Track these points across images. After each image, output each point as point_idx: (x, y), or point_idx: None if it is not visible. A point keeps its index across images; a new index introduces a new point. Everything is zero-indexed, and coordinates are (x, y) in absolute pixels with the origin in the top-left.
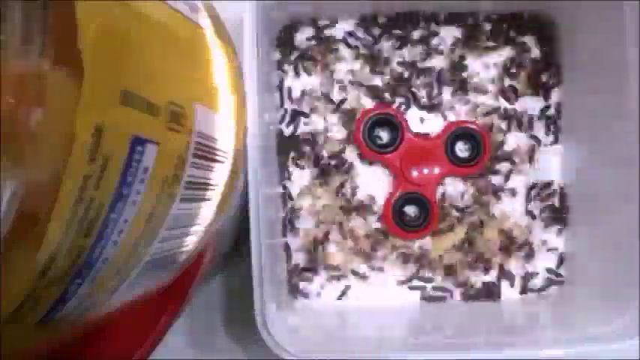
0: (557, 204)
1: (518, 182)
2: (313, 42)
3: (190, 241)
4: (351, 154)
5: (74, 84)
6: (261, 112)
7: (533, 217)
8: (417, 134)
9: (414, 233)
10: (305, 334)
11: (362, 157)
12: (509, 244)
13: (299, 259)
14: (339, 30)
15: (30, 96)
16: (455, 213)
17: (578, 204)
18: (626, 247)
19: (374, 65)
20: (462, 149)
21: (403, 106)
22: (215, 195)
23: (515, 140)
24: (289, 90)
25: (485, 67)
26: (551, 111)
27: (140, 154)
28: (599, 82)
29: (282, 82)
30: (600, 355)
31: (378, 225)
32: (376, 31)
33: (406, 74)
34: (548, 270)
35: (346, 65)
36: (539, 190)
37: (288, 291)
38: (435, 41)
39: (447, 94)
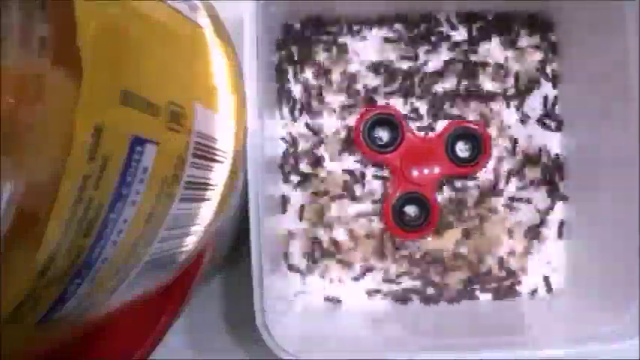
0: (557, 205)
1: (518, 182)
2: (313, 41)
3: (190, 241)
4: (351, 154)
5: (73, 83)
6: (261, 112)
7: (534, 217)
8: (417, 134)
9: (414, 233)
10: (305, 334)
11: (362, 157)
12: (510, 244)
13: (299, 259)
14: (340, 29)
15: (29, 96)
16: (455, 213)
17: (579, 205)
18: (626, 248)
19: (375, 65)
20: (462, 149)
21: (403, 106)
22: (215, 195)
23: (516, 140)
24: (289, 90)
25: (485, 66)
26: (552, 110)
27: (140, 154)
28: (600, 82)
29: (282, 81)
30: (600, 355)
31: (378, 225)
32: (377, 31)
33: (407, 74)
34: (548, 270)
35: (346, 64)
36: (539, 191)
37: (288, 291)
38: (434, 41)
39: (447, 93)
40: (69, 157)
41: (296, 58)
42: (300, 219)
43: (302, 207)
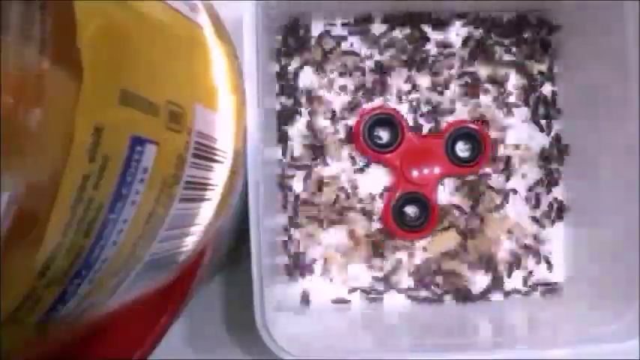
0: (557, 205)
1: (518, 182)
2: (313, 41)
3: (190, 241)
4: (351, 154)
5: (73, 84)
6: (261, 111)
7: (534, 217)
8: (417, 134)
9: (414, 233)
10: (305, 334)
11: (362, 157)
12: (509, 244)
13: (299, 259)
14: (340, 29)
15: (29, 96)
16: (455, 213)
17: (578, 204)
18: (627, 248)
19: (375, 64)
20: (462, 149)
21: (403, 106)
22: (214, 195)
23: (516, 140)
24: (289, 89)
25: (485, 66)
26: (553, 111)
27: (139, 154)
28: (600, 83)
29: (282, 81)
30: (600, 355)
31: (378, 225)
32: (377, 31)
33: (406, 74)
34: (549, 270)
35: (347, 64)
36: (539, 191)
37: (288, 291)
38: (434, 41)
39: (447, 93)
40: (69, 157)
41: (296, 58)
42: (300, 219)
43: (302, 207)
